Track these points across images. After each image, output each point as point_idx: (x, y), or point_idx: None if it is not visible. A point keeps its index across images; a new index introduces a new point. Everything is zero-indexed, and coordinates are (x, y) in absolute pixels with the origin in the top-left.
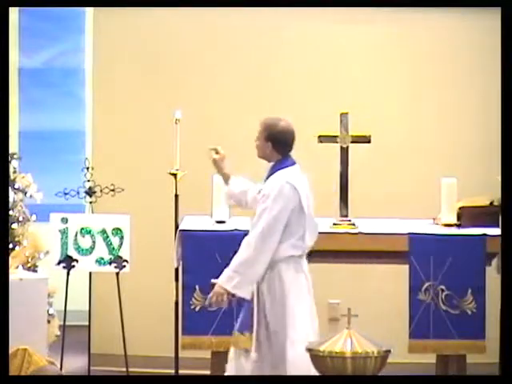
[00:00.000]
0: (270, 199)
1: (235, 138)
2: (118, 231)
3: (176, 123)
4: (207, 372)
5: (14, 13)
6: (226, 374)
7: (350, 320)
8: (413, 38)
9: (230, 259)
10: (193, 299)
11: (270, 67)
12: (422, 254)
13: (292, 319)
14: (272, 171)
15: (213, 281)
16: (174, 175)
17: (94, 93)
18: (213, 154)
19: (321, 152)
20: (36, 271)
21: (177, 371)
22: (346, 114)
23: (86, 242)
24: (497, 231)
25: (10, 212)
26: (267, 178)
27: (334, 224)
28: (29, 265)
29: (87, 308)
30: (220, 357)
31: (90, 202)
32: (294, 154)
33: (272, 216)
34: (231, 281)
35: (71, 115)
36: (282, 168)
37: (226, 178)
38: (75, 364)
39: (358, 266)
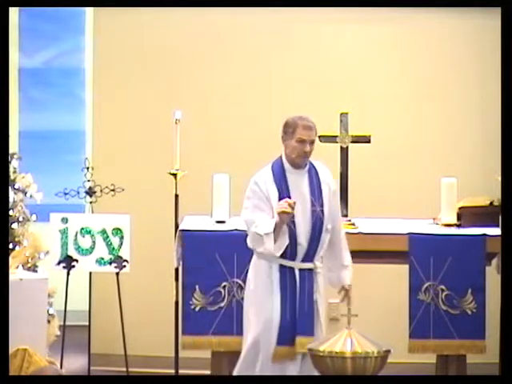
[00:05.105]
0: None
1: (235, 138)
2: (117, 231)
3: (176, 123)
4: (207, 372)
5: (14, 13)
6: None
7: (350, 320)
8: (413, 38)
9: (230, 259)
10: (193, 299)
11: (269, 67)
12: (422, 253)
13: None
14: (310, 166)
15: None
16: (174, 175)
17: (94, 93)
18: (287, 208)
19: (321, 152)
20: (36, 271)
21: (177, 371)
22: (346, 114)
23: (86, 242)
24: (497, 231)
25: (10, 212)
26: (312, 173)
27: None
28: (29, 265)
29: (87, 308)
30: (220, 357)
31: (90, 202)
32: None
33: None
34: None
35: (71, 115)
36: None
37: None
38: (75, 364)
39: (358, 265)
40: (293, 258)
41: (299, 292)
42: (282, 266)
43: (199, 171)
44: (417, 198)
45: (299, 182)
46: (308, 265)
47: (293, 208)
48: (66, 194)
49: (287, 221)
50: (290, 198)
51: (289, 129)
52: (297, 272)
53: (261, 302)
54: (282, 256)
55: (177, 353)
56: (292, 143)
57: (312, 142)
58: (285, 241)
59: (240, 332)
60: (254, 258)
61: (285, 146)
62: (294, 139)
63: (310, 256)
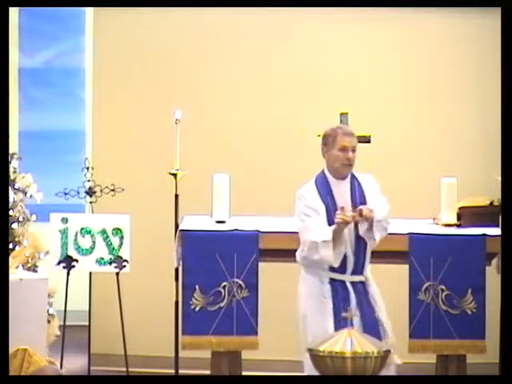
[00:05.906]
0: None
1: (235, 138)
2: (118, 231)
3: (176, 123)
4: (207, 372)
5: (14, 13)
6: None
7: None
8: (413, 38)
9: (230, 259)
10: (193, 299)
11: (269, 67)
12: (422, 253)
13: None
14: (352, 176)
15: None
16: (174, 175)
17: (94, 93)
18: (346, 218)
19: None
20: (36, 271)
21: (177, 371)
22: (346, 114)
23: (86, 242)
24: (497, 231)
25: (10, 212)
26: (354, 183)
27: None
28: (29, 265)
29: (87, 308)
30: (220, 357)
31: (90, 202)
32: (294, 153)
33: None
34: None
35: (71, 115)
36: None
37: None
38: (75, 364)
39: None
40: (343, 270)
41: (360, 307)
42: (332, 280)
43: (199, 171)
44: (417, 198)
45: (344, 193)
46: (358, 277)
47: (351, 218)
48: (66, 193)
49: (344, 229)
50: (336, 209)
51: (329, 139)
52: (348, 285)
53: (317, 318)
54: (332, 269)
55: (177, 353)
56: (334, 152)
57: (354, 150)
58: (342, 252)
59: (240, 332)
60: (303, 274)
61: (327, 158)
62: (335, 148)
63: (359, 268)
